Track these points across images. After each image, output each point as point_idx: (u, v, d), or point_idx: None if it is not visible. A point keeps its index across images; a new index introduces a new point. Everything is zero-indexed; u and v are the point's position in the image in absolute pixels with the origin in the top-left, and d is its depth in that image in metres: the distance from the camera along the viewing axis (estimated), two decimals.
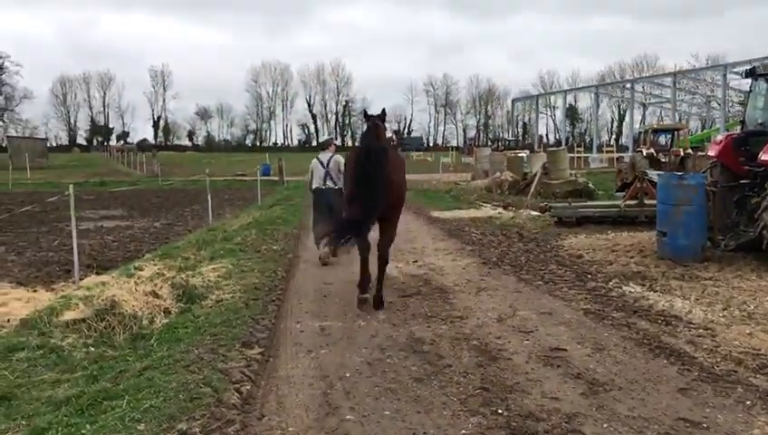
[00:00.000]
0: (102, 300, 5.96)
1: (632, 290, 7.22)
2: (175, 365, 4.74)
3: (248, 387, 4.43)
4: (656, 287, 7.32)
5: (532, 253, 9.83)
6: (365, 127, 7.79)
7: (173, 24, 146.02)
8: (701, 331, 5.61)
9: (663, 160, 21.11)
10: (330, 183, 9.52)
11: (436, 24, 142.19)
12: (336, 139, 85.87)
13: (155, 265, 8.18)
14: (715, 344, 5.24)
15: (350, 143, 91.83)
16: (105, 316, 5.71)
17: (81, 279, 7.89)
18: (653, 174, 14.02)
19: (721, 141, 9.53)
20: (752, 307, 6.35)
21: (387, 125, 7.93)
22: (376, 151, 6.83)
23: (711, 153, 9.68)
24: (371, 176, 6.53)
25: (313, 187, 9.70)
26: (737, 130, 11.82)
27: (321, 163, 9.65)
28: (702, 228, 8.79)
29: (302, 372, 4.77)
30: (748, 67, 10.43)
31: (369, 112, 7.85)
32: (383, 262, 6.92)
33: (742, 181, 9.00)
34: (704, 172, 9.73)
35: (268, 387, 4.50)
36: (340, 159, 9.25)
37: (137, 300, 6.17)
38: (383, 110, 7.88)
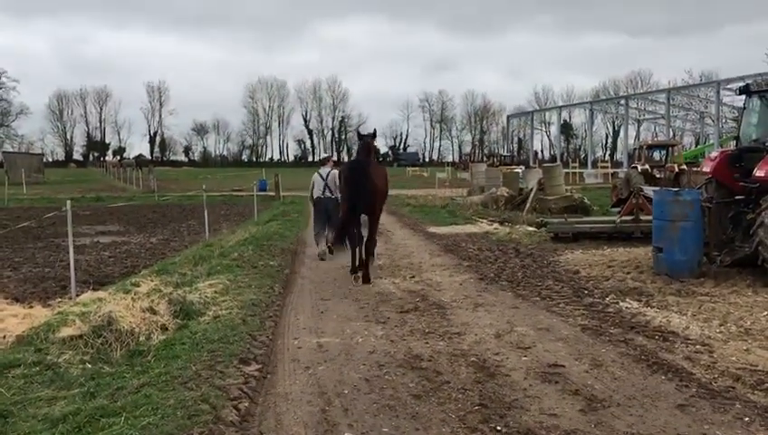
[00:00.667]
0: (99, 316, 5.91)
1: (629, 306, 7.24)
2: (172, 382, 4.71)
3: (246, 404, 4.41)
4: (652, 303, 7.34)
5: (529, 268, 9.85)
6: (359, 144, 9.89)
7: (170, 40, 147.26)
8: (698, 347, 5.63)
9: (658, 176, 21.23)
10: (327, 193, 11.24)
11: (432, 41, 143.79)
12: (332, 155, 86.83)
13: (152, 280, 8.15)
14: (713, 360, 5.25)
15: (345, 158, 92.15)
16: (102, 333, 5.67)
17: (77, 295, 7.85)
18: (648, 190, 14.12)
19: (715, 158, 9.58)
20: (748, 323, 6.37)
21: (380, 140, 9.91)
22: (361, 165, 9.29)
23: (706, 169, 9.74)
24: (358, 181, 8.93)
25: (314, 196, 11.45)
26: (731, 145, 11.90)
27: (321, 176, 11.39)
28: (698, 244, 8.82)
29: (300, 389, 4.76)
30: (742, 84, 10.52)
31: (361, 132, 9.97)
32: (371, 244, 9.34)
33: (737, 197, 9.05)
34: (699, 188, 9.78)
35: (266, 404, 4.48)
36: (337, 173, 10.85)
37: (134, 316, 6.12)
38: (374, 130, 10.07)
